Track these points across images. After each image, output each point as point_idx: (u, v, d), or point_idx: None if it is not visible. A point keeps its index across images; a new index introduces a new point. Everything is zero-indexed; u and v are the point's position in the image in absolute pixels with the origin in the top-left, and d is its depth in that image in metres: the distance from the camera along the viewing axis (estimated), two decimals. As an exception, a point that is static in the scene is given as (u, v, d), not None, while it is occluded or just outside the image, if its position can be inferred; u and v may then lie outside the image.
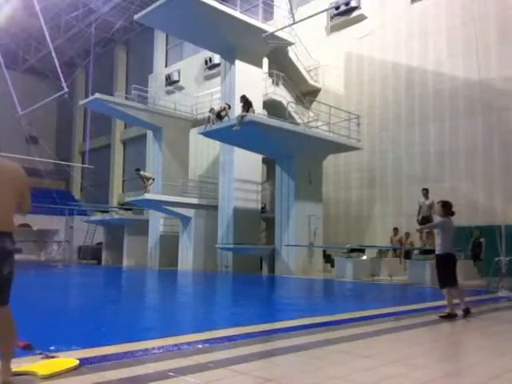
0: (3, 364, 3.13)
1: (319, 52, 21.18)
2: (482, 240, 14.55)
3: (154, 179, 21.64)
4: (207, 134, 16.65)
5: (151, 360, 3.92)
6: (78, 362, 3.67)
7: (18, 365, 3.49)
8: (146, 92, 25.58)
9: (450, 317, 6.46)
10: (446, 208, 6.77)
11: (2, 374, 3.12)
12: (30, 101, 26.65)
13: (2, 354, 3.12)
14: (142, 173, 21.83)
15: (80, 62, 38.35)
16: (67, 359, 3.75)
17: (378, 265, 15.28)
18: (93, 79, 32.36)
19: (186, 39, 22.75)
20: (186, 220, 20.90)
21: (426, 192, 14.33)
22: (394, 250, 16.58)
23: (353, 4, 19.98)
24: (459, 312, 6.62)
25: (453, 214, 6.83)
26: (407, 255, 15.74)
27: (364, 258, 15.33)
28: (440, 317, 6.48)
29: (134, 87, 23.62)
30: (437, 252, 6.97)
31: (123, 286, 14.81)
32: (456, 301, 6.77)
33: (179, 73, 28.23)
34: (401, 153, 18.40)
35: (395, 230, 16.99)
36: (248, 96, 15.49)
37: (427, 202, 14.08)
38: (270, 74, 19.96)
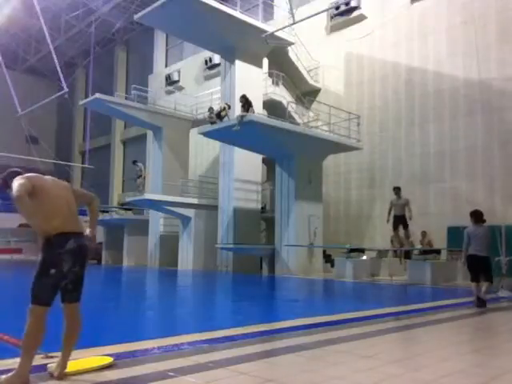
0: (64, 358, 3.34)
1: (319, 52, 21.18)
2: None
3: (144, 178, 21.98)
4: (207, 134, 16.65)
5: (151, 360, 3.92)
6: (111, 359, 3.70)
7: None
8: (146, 92, 25.57)
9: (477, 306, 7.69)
10: (474, 217, 8.22)
11: (60, 368, 3.30)
12: (30, 101, 26.67)
13: (66, 349, 3.35)
14: (140, 164, 22.25)
15: (80, 62, 38.34)
16: (100, 357, 3.78)
17: (378, 265, 15.28)
18: (93, 79, 32.36)
19: (185, 39, 22.76)
20: (186, 220, 20.89)
21: (398, 190, 14.17)
22: (394, 250, 16.56)
23: (353, 4, 19.99)
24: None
25: (483, 221, 8.19)
26: (407, 255, 15.74)
27: (364, 257, 15.33)
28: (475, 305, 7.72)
29: (134, 87, 23.62)
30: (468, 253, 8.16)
31: (123, 285, 14.81)
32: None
33: (179, 73, 28.22)
34: (401, 153, 18.41)
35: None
36: (248, 96, 15.49)
37: (401, 201, 13.93)
38: (270, 74, 19.96)
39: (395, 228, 14.08)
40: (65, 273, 3.24)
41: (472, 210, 8.47)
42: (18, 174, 3.39)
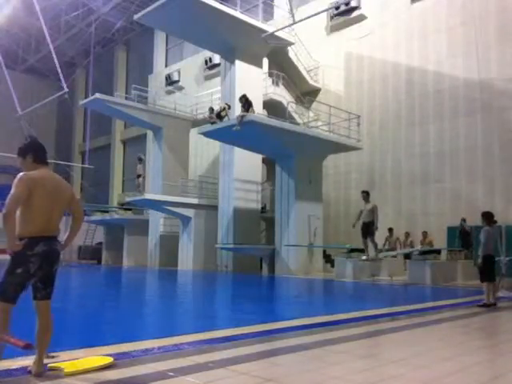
0: (39, 356, 3.41)
1: (319, 52, 21.17)
2: (466, 227, 14.68)
3: (144, 177, 22.35)
4: (207, 134, 16.65)
5: (151, 360, 3.92)
6: (111, 359, 3.70)
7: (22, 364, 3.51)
8: (146, 92, 25.57)
9: (485, 306, 7.70)
10: (486, 218, 8.15)
11: (37, 366, 3.37)
12: (30, 101, 26.69)
13: (40, 346, 3.42)
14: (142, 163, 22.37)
15: (80, 61, 38.32)
16: (101, 357, 3.78)
17: (378, 265, 15.26)
18: (93, 79, 32.37)
19: (186, 39, 22.76)
20: (186, 220, 20.89)
21: (366, 195, 13.46)
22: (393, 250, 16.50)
23: (353, 4, 19.98)
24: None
25: (494, 222, 8.21)
26: (407, 255, 15.72)
27: (364, 258, 15.31)
28: (478, 306, 7.74)
29: (134, 87, 23.62)
30: (482, 253, 8.14)
31: (124, 285, 14.80)
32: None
33: (179, 73, 28.22)
34: (401, 153, 18.40)
35: (390, 230, 16.77)
36: (248, 96, 15.49)
37: (368, 207, 13.25)
38: (270, 74, 19.96)
39: (363, 236, 13.50)
40: (31, 273, 3.38)
41: (484, 211, 8.46)
42: (36, 154, 3.60)
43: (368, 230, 13.31)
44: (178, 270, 20.00)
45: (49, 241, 3.47)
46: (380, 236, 17.35)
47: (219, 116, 16.18)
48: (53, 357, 3.75)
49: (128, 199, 23.02)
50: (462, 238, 15.02)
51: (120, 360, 3.80)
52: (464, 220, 14.97)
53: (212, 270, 19.14)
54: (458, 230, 15.17)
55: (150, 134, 25.84)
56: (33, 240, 3.38)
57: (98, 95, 21.18)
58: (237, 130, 14.55)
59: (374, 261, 14.33)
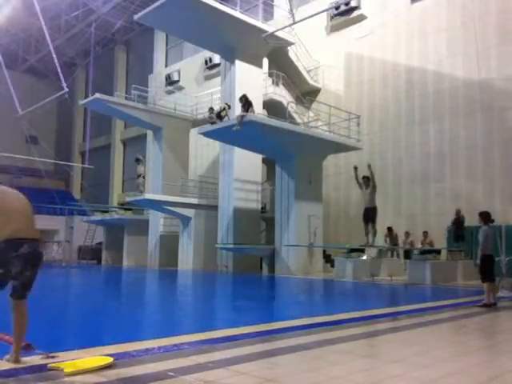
0: (16, 345, 3.55)
1: (319, 52, 21.18)
2: (462, 217, 14.45)
3: (144, 177, 22.47)
4: (207, 134, 16.65)
5: (151, 360, 3.92)
6: (111, 359, 3.69)
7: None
8: (146, 92, 25.55)
9: (485, 306, 7.67)
10: (483, 218, 8.13)
11: (15, 354, 3.54)
12: (30, 101, 26.67)
13: (16, 337, 3.55)
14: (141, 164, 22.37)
15: (80, 61, 38.34)
16: (100, 357, 3.78)
17: (378, 265, 15.27)
18: (93, 79, 32.35)
19: (185, 39, 22.77)
20: (186, 220, 20.89)
21: (367, 180, 13.40)
22: (392, 250, 16.48)
23: (353, 4, 20.00)
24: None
25: (492, 221, 8.22)
26: (407, 255, 15.73)
27: (364, 257, 15.32)
28: (478, 306, 7.72)
29: (134, 87, 23.61)
30: (482, 253, 8.13)
31: (124, 285, 14.80)
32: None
33: (179, 73, 28.23)
34: (401, 153, 18.40)
35: (389, 229, 16.67)
36: (248, 96, 15.49)
37: (368, 191, 13.23)
38: (270, 74, 19.96)
39: (365, 222, 13.47)
40: (12, 275, 3.53)
41: (481, 211, 8.50)
42: None
43: (369, 215, 13.23)
44: (177, 270, 20.00)
45: (32, 242, 3.62)
46: (379, 234, 17.35)
47: (219, 116, 16.18)
48: (53, 357, 3.75)
49: (128, 199, 23.02)
50: (455, 230, 14.73)
51: (120, 360, 3.79)
52: (459, 211, 14.72)
53: (212, 270, 19.14)
54: (452, 220, 14.83)
55: (149, 133, 25.84)
56: (15, 242, 3.53)
57: (97, 95, 21.17)
58: (237, 129, 14.55)
59: (372, 258, 14.29)
